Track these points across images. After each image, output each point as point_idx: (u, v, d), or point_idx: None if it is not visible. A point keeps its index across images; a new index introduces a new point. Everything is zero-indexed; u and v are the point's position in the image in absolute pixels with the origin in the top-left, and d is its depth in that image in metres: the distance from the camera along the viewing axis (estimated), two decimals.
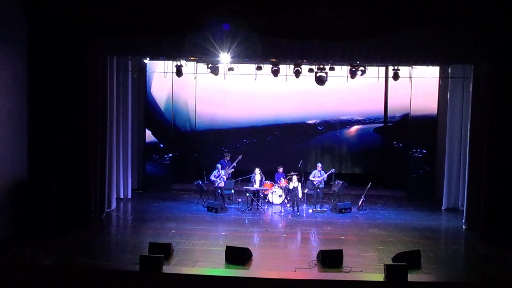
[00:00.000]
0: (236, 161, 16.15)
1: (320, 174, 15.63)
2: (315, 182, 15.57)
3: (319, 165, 15.91)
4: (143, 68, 17.10)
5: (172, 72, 15.36)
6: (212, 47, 12.85)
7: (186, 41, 13.02)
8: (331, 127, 19.15)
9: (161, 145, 18.04)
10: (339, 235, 12.93)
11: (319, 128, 19.21)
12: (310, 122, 19.23)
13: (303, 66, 14.73)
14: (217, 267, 10.42)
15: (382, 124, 19.01)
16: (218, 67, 14.97)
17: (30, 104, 12.75)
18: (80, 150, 13.03)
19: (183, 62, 15.02)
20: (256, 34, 12.55)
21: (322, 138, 19.29)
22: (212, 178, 15.58)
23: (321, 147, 19.33)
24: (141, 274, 9.71)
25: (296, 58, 13.96)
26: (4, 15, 11.78)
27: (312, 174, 15.80)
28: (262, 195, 16.20)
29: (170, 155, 18.06)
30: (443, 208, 15.84)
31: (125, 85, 16.40)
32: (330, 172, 15.78)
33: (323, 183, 15.69)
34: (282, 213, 15.15)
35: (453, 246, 12.48)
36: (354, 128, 19.14)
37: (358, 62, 14.20)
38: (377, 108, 18.96)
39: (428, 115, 17.14)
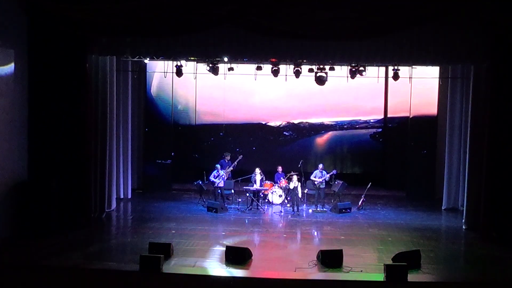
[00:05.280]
0: (236, 161, 16.14)
1: (322, 174, 15.61)
2: (316, 183, 15.55)
3: (321, 165, 15.89)
4: (143, 68, 17.10)
5: (172, 72, 15.33)
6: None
7: (186, 41, 13.02)
8: (330, 127, 19.15)
9: (161, 145, 18.03)
10: (339, 235, 12.93)
11: (318, 127, 19.23)
12: (309, 122, 19.22)
13: (303, 66, 14.71)
14: (217, 267, 10.43)
15: (382, 124, 19.00)
16: (218, 67, 14.96)
17: (30, 104, 12.75)
18: (80, 150, 13.02)
19: (183, 62, 15.01)
20: (256, 34, 12.56)
21: (321, 138, 19.28)
22: (212, 178, 15.56)
23: (321, 147, 19.31)
24: (141, 274, 9.71)
25: (296, 58, 13.95)
26: (4, 15, 11.78)
27: (313, 174, 15.76)
28: (262, 195, 16.18)
29: (170, 155, 18.06)
30: (443, 208, 15.82)
31: (125, 85, 16.38)
32: (332, 173, 15.77)
33: (324, 183, 15.67)
34: (282, 213, 15.13)
35: (453, 246, 12.47)
36: (353, 129, 19.18)
37: (358, 62, 14.20)
38: (376, 108, 18.94)
39: (428, 115, 17.13)
